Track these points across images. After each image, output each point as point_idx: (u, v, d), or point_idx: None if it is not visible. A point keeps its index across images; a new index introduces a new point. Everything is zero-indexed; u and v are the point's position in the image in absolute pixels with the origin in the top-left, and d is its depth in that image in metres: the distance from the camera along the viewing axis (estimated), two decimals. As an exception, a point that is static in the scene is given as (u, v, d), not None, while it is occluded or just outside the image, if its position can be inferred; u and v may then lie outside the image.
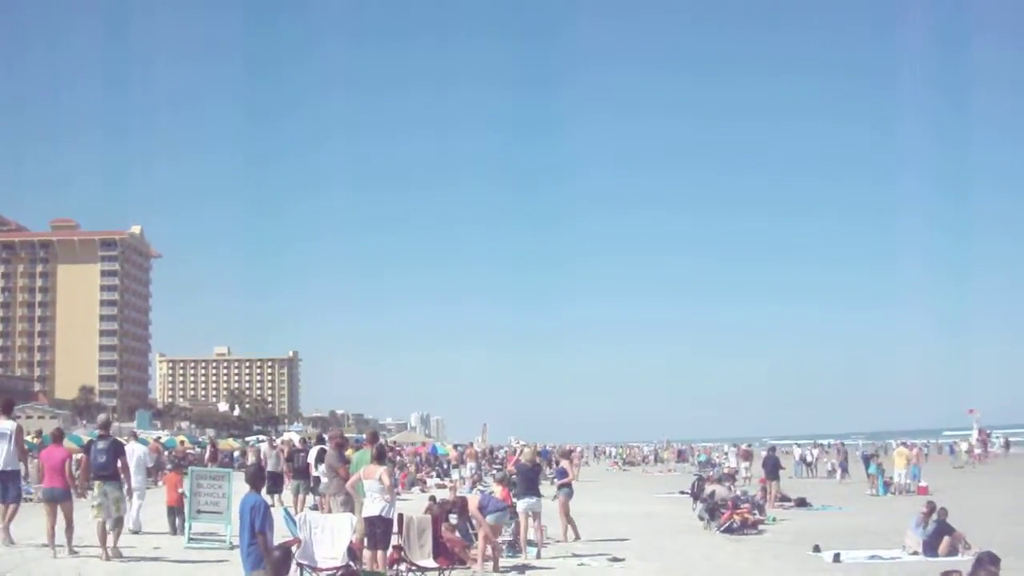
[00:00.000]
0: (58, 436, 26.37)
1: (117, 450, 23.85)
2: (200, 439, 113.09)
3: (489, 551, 23.47)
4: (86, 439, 49.88)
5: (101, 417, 26.82)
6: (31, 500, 30.52)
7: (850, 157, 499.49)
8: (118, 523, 23.58)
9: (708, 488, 37.22)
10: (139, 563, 23.32)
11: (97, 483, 23.18)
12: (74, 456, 28.06)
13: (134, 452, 29.50)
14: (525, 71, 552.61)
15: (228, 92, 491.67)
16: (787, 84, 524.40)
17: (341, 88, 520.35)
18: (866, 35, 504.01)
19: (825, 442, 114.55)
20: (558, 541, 28.88)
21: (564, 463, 31.54)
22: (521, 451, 39.43)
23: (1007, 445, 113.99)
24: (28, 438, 43.56)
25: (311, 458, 33.86)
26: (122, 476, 23.91)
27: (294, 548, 18.79)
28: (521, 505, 26.54)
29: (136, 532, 28.42)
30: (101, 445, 23.61)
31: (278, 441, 59.82)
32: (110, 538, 23.15)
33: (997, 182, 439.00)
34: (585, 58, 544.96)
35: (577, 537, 29.43)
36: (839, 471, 70.33)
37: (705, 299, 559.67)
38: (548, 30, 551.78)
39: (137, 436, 35.26)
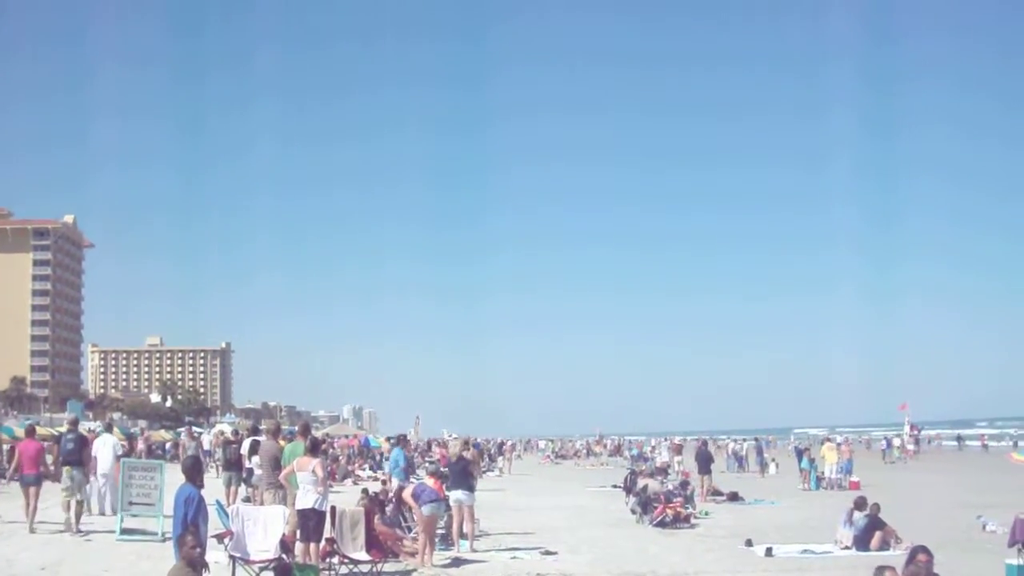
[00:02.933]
0: (31, 431, 31.43)
1: (83, 441, 29.07)
2: (132, 430, 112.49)
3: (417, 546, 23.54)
4: (17, 429, 52.52)
5: (70, 415, 32.46)
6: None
7: (779, 147, 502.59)
8: (80, 503, 27.68)
9: (640, 482, 37.29)
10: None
11: (66, 468, 27.68)
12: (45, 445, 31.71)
13: (107, 442, 32.62)
14: (452, 72, 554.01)
15: (163, 88, 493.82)
16: (717, 78, 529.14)
17: (272, 94, 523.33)
18: (795, 26, 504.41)
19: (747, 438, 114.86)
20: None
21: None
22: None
23: (917, 441, 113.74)
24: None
25: (244, 449, 33.82)
26: (86, 464, 28.52)
27: (226, 540, 18.74)
28: (452, 498, 26.53)
29: (104, 514, 30.71)
30: (70, 436, 28.82)
31: (211, 432, 59.57)
32: (73, 514, 27.20)
33: (926, 170, 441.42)
34: (511, 60, 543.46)
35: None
36: (757, 465, 71.33)
37: (631, 292, 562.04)
38: (476, 32, 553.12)
39: (111, 427, 39.41)
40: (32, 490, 27.34)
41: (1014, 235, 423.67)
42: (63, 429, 33.51)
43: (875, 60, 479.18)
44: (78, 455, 28.03)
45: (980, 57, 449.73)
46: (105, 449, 31.72)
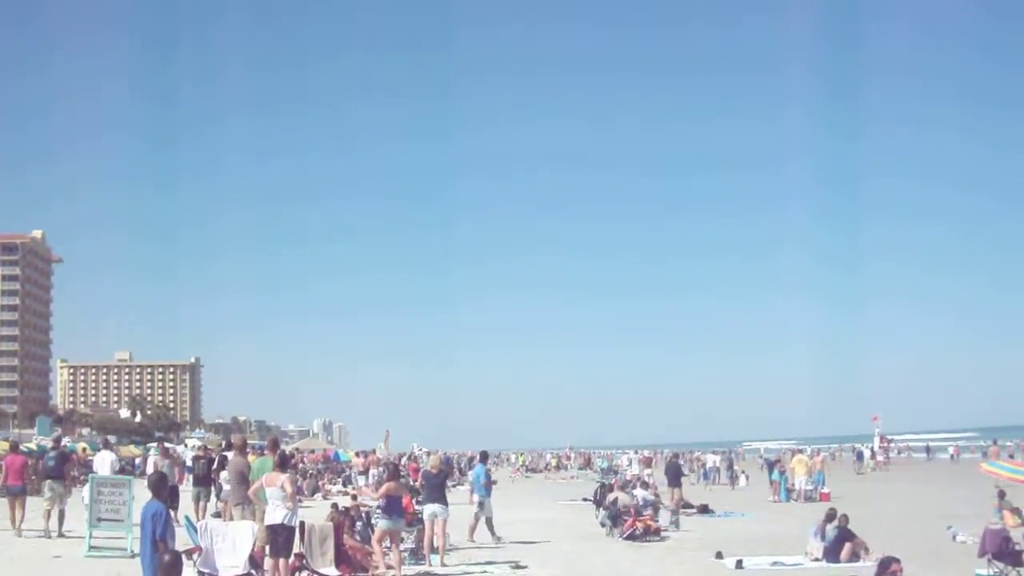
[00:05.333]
0: (15, 446, 37.02)
1: (64, 458, 33.20)
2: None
3: (391, 559, 23.48)
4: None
5: (55, 434, 41.10)
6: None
7: (738, 150, 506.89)
8: (62, 512, 30.54)
9: (611, 495, 37.28)
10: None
11: (47, 481, 30.85)
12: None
13: (105, 458, 34.80)
14: (417, 83, 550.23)
15: (131, 103, 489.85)
16: (672, 82, 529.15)
17: (241, 108, 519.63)
18: (752, 28, 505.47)
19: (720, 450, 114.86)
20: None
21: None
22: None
23: (887, 453, 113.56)
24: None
25: (215, 465, 33.85)
26: (66, 478, 32.07)
27: (195, 556, 18.64)
28: (427, 512, 26.53)
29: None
30: (52, 454, 32.77)
31: (182, 448, 59.20)
32: (54, 522, 30.28)
33: (888, 169, 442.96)
34: (474, 67, 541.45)
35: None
36: (727, 478, 71.64)
37: (598, 299, 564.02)
38: (437, 42, 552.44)
39: (110, 444, 43.30)
40: (18, 500, 31.17)
41: (982, 233, 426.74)
42: (48, 445, 39.07)
43: (836, 60, 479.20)
44: (59, 470, 31.38)
45: (942, 54, 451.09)
46: (104, 465, 33.70)
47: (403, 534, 27.85)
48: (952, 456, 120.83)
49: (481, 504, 31.63)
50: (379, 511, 24.85)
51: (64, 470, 32.38)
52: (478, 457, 36.44)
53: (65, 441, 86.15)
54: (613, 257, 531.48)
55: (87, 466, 59.53)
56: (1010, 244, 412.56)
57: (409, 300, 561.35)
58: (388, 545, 24.11)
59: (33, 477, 33.41)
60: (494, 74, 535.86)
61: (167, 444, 46.29)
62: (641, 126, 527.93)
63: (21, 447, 41.38)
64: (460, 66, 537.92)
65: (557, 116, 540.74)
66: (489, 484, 32.42)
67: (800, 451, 73.89)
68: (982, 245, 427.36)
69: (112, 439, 66.24)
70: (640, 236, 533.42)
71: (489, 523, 31.44)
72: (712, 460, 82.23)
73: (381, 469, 61.45)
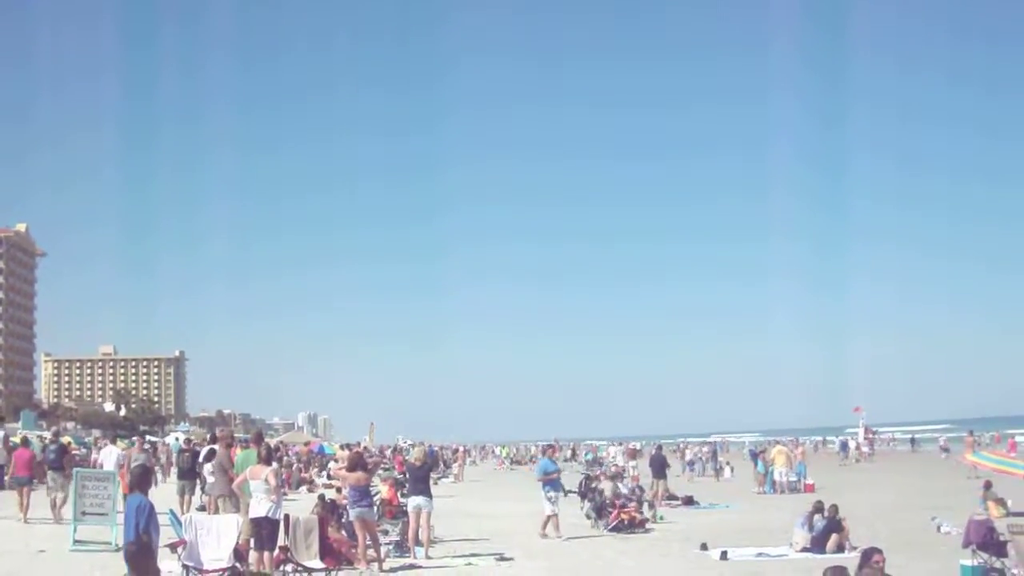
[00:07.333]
0: (25, 441, 43.82)
1: (63, 451, 36.78)
2: (86, 440, 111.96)
3: (371, 552, 23.53)
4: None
5: (54, 429, 49.80)
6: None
7: (721, 135, 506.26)
8: (64, 500, 32.29)
9: (595, 486, 37.30)
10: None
11: (50, 473, 34.50)
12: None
13: (111, 452, 40.44)
14: (399, 72, 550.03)
15: (114, 96, 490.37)
16: (657, 68, 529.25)
17: (222, 101, 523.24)
18: (738, 12, 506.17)
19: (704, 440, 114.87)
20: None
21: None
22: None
23: (872, 444, 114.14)
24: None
25: (200, 458, 33.83)
26: (66, 469, 33.80)
27: (179, 549, 18.63)
28: (411, 504, 26.50)
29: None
30: (53, 447, 37.36)
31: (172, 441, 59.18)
32: (57, 509, 32.70)
33: (871, 153, 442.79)
34: (459, 56, 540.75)
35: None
36: (712, 469, 71.83)
37: (586, 289, 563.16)
38: (423, 30, 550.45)
39: (115, 440, 47.65)
40: (24, 489, 33.90)
41: (972, 218, 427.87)
42: (31, 439, 44.11)
43: (819, 44, 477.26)
44: (59, 462, 34.66)
45: (926, 38, 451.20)
46: (110, 458, 38.32)
47: (387, 526, 27.97)
48: (941, 447, 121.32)
49: (548, 499, 31.41)
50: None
51: (64, 462, 34.93)
52: (541, 450, 36.39)
53: (48, 436, 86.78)
54: (600, 245, 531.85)
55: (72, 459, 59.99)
56: (1001, 230, 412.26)
57: (394, 292, 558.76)
58: (370, 540, 24.07)
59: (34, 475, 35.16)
60: (483, 61, 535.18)
61: (152, 439, 47.16)
62: (627, 111, 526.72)
63: (30, 442, 45.61)
64: (446, 53, 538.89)
65: (546, 103, 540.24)
66: (550, 479, 31.82)
67: (779, 442, 73.91)
68: (972, 230, 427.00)
69: (97, 433, 66.80)
70: (627, 223, 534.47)
71: (555, 518, 31.26)
72: (696, 451, 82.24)
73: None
